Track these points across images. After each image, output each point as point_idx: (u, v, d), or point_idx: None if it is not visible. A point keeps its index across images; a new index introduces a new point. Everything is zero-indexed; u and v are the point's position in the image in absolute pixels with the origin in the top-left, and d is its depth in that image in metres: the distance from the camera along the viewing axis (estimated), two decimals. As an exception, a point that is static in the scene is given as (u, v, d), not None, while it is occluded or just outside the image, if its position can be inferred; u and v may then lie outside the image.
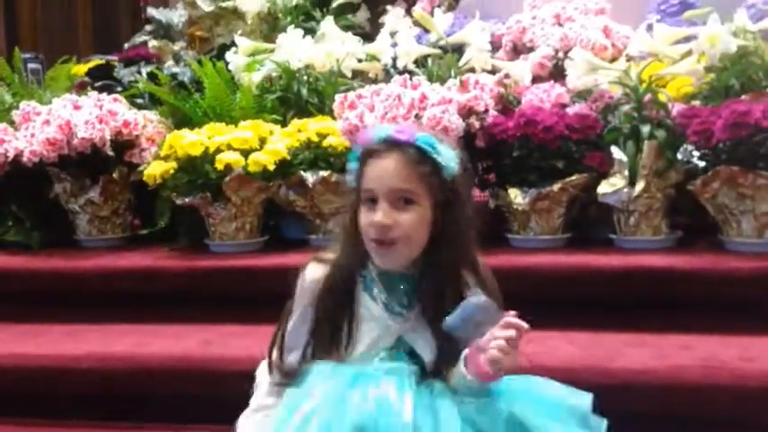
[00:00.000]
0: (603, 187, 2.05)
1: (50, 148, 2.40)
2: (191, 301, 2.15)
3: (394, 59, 2.62)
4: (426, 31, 2.75)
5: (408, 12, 3.05)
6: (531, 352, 1.71)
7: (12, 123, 2.55)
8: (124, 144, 2.50)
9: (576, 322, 1.86)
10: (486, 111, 2.18)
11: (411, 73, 2.44)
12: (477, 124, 2.15)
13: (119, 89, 2.96)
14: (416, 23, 2.80)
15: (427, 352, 1.28)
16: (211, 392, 1.77)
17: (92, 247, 2.51)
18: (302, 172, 2.23)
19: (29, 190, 2.55)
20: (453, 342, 1.24)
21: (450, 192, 1.27)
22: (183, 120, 2.54)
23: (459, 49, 2.54)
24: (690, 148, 1.98)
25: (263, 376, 1.38)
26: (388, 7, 3.25)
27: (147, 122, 2.55)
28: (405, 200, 1.25)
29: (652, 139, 2.01)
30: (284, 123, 2.41)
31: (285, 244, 2.34)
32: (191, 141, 2.21)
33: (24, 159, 2.42)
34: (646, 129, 2.03)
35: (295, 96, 2.52)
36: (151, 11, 3.66)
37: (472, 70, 2.44)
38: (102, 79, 3.13)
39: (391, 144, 1.26)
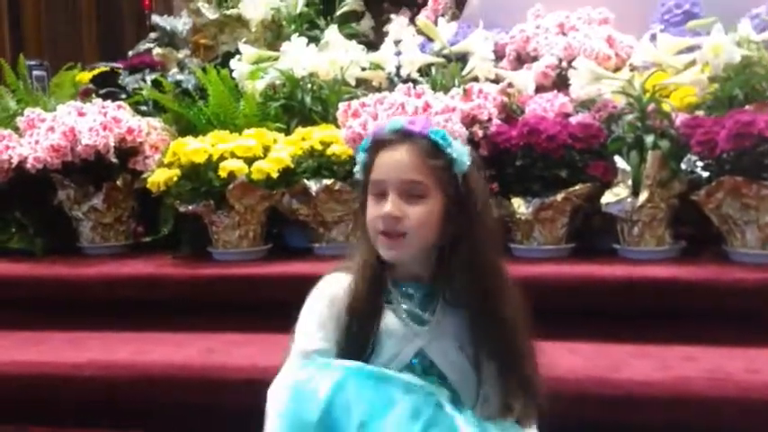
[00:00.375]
0: (607, 197, 2.04)
1: (54, 155, 2.40)
2: (193, 310, 2.15)
3: (398, 68, 2.62)
4: (430, 39, 2.75)
5: (412, 20, 3.06)
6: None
7: (16, 130, 2.56)
8: (128, 151, 2.50)
9: (579, 333, 1.85)
10: (490, 120, 2.18)
11: (415, 82, 2.44)
12: (480, 133, 2.15)
13: (123, 96, 2.97)
14: (420, 32, 2.80)
15: (452, 368, 1.25)
16: (213, 401, 1.77)
17: (95, 255, 2.51)
18: (306, 180, 2.23)
19: (32, 197, 2.55)
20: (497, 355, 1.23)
21: (464, 189, 1.25)
22: (186, 127, 2.55)
23: (462, 58, 2.54)
24: (693, 158, 1.97)
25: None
26: (392, 16, 3.26)
27: (150, 130, 2.55)
28: (415, 193, 1.23)
29: (656, 149, 2.01)
30: (288, 131, 2.41)
31: (288, 252, 2.34)
32: (194, 149, 2.21)
33: (28, 166, 2.42)
34: (649, 138, 2.03)
35: (299, 104, 2.53)
36: (156, 18, 3.68)
37: (476, 79, 2.44)
38: (107, 86, 3.15)
39: (403, 135, 1.25)
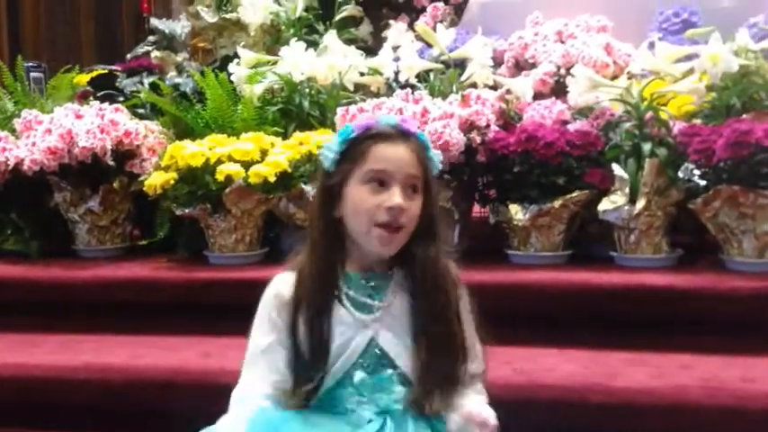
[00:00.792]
0: (604, 204, 2.04)
1: (51, 157, 2.40)
2: (189, 313, 2.14)
3: (396, 73, 2.62)
4: (429, 45, 2.75)
5: (411, 26, 3.06)
6: (531, 369, 1.71)
7: (13, 132, 2.55)
8: (125, 154, 2.50)
9: (575, 340, 1.85)
10: (488, 126, 2.18)
11: (413, 87, 2.44)
12: (478, 139, 2.15)
13: (121, 99, 2.96)
14: (419, 38, 2.81)
15: (404, 357, 1.27)
16: (209, 405, 1.76)
17: (91, 257, 2.50)
18: (303, 185, 2.23)
19: (29, 199, 2.55)
20: (435, 349, 1.25)
21: (433, 189, 1.32)
22: (184, 130, 2.54)
23: (461, 65, 2.54)
24: (691, 166, 1.98)
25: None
26: (391, 21, 3.27)
27: (148, 133, 2.55)
28: (413, 188, 1.28)
29: (653, 157, 2.01)
30: (286, 136, 2.41)
31: (285, 256, 2.33)
32: (192, 152, 2.21)
33: (25, 168, 2.41)
34: (647, 146, 2.03)
35: (297, 109, 2.53)
36: (154, 22, 3.67)
37: (474, 85, 2.44)
38: (105, 89, 3.13)
39: (401, 132, 1.30)
